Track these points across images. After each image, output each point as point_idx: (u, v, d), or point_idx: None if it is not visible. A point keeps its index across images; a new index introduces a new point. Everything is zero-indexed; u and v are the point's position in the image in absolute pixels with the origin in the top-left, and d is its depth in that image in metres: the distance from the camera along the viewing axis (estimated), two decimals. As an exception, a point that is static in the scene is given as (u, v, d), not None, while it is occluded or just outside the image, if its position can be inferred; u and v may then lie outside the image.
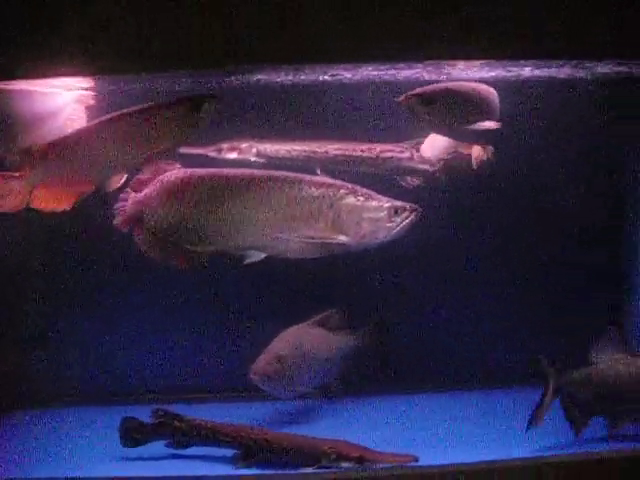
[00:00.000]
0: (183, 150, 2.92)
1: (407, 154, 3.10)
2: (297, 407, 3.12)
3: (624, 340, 2.80)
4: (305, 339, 2.96)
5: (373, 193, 2.67)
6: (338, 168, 3.04)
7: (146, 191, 2.66)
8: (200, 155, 3.01)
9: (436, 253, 3.19)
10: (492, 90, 2.80)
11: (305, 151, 3.06)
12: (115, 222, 2.67)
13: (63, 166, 2.57)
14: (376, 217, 2.62)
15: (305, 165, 3.03)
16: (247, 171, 2.71)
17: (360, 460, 2.54)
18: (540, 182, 3.20)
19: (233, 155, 3.07)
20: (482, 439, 2.82)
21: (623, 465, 2.51)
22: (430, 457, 2.55)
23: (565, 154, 3.17)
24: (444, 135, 2.90)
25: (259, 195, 2.61)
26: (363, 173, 3.03)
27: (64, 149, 2.58)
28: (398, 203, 2.65)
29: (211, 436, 2.69)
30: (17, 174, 2.55)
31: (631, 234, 3.30)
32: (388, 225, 2.63)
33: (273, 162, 3.04)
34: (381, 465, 2.54)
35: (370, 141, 3.08)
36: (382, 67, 2.57)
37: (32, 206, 2.57)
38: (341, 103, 3.06)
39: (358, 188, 2.66)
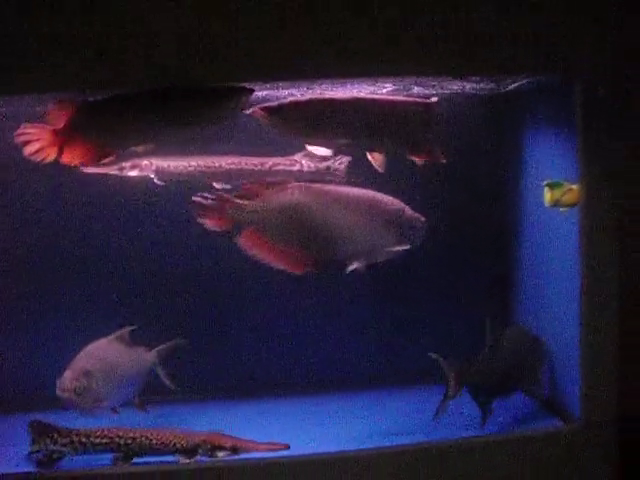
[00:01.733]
0: (87, 170, 3.16)
1: (297, 166, 3.26)
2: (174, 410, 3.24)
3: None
4: (109, 354, 3.00)
5: None
6: (232, 181, 3.21)
7: (264, 200, 2.92)
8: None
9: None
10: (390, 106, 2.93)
11: (200, 166, 3.21)
12: (211, 224, 2.91)
13: (91, 127, 2.70)
14: (422, 228, 2.99)
15: (201, 179, 3.19)
16: (350, 189, 3.01)
17: (234, 449, 2.72)
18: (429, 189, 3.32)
19: (134, 173, 3.21)
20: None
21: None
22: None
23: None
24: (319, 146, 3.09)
25: (361, 211, 2.96)
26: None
27: (93, 112, 2.70)
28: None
29: (86, 442, 2.74)
30: (49, 126, 2.66)
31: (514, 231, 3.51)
32: (423, 234, 3.00)
33: (171, 177, 3.20)
34: (254, 453, 2.73)
35: (263, 155, 3.23)
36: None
37: (61, 160, 2.71)
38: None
39: None
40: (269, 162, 3.27)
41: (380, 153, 3.00)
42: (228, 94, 2.66)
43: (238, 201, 2.93)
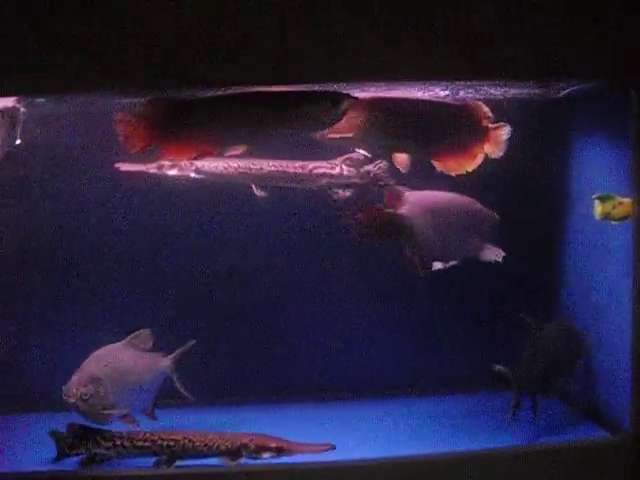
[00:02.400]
0: (124, 167, 3.12)
1: (337, 170, 3.23)
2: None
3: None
4: (120, 359, 2.89)
5: None
6: (272, 184, 3.19)
7: (408, 209, 2.97)
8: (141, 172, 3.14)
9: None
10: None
11: (241, 167, 3.18)
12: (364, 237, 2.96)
13: (191, 123, 2.69)
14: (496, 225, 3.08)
15: (241, 181, 3.17)
16: (444, 193, 3.05)
17: (279, 450, 2.66)
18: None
19: (173, 172, 3.18)
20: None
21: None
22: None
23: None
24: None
25: (465, 216, 3.04)
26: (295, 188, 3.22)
27: (195, 108, 2.69)
28: None
29: (129, 445, 2.70)
30: (145, 119, 2.66)
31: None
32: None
33: (210, 178, 3.17)
34: (300, 454, 2.67)
35: (302, 158, 3.21)
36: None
37: (160, 153, 2.76)
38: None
39: None
40: (309, 165, 3.24)
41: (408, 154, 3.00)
42: (334, 100, 2.65)
43: (389, 211, 2.98)
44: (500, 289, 3.42)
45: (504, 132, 2.91)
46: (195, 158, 2.83)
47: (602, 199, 2.89)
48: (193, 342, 3.09)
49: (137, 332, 3.02)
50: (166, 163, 3.19)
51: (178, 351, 3.10)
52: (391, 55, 2.50)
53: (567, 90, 2.99)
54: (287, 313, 3.42)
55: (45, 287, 3.30)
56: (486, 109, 2.91)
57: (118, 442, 2.71)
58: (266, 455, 2.67)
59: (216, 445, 2.69)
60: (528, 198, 3.36)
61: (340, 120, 2.72)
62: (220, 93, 2.65)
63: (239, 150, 2.83)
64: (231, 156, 3.13)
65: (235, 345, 3.39)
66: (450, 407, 3.27)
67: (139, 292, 3.34)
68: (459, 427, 3.07)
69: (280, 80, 2.54)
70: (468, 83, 2.79)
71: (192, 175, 3.20)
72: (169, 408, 3.06)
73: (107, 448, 2.70)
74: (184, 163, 3.20)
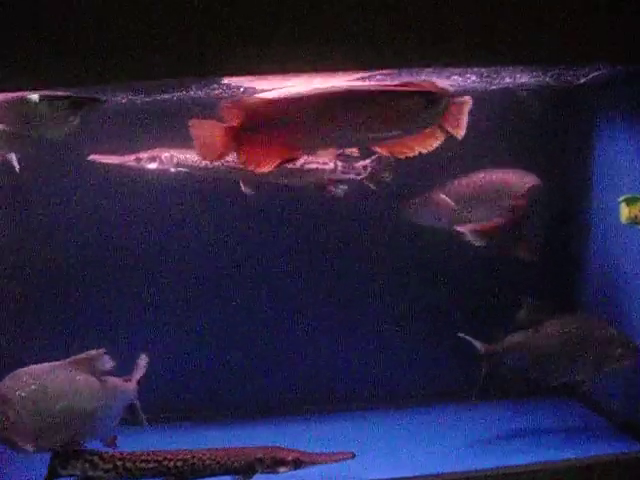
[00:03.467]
0: (99, 159, 2.89)
1: (331, 165, 3.05)
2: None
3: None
4: (51, 381, 2.49)
5: None
6: (260, 179, 2.97)
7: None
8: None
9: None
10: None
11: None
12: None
13: (275, 126, 2.47)
14: None
15: (227, 177, 2.98)
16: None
17: (296, 463, 2.45)
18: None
19: (153, 165, 2.97)
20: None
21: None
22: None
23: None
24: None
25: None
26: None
27: (279, 110, 2.48)
28: None
29: (132, 467, 2.42)
30: (224, 124, 2.44)
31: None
32: None
33: (194, 173, 2.98)
34: (319, 465, 2.46)
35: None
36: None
37: (238, 160, 2.58)
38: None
39: None
40: (301, 160, 3.02)
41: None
42: (429, 99, 2.47)
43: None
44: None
45: (464, 108, 2.59)
46: (278, 164, 2.56)
47: (629, 201, 2.73)
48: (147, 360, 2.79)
49: (87, 352, 2.61)
50: (145, 156, 2.99)
51: (137, 374, 2.77)
52: (397, 41, 2.35)
53: (589, 77, 2.86)
54: (291, 322, 3.31)
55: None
56: (441, 85, 2.64)
57: (119, 463, 2.43)
58: (283, 469, 2.44)
59: (228, 462, 2.45)
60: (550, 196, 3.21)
61: (438, 120, 2.52)
62: (305, 91, 2.46)
63: (327, 154, 2.74)
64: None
65: (236, 358, 3.27)
66: (475, 418, 3.10)
67: (128, 303, 3.23)
68: (482, 441, 2.92)
69: (270, 70, 2.37)
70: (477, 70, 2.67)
71: (172, 170, 3.00)
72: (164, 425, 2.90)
73: (106, 470, 2.41)
74: (164, 156, 3.01)
